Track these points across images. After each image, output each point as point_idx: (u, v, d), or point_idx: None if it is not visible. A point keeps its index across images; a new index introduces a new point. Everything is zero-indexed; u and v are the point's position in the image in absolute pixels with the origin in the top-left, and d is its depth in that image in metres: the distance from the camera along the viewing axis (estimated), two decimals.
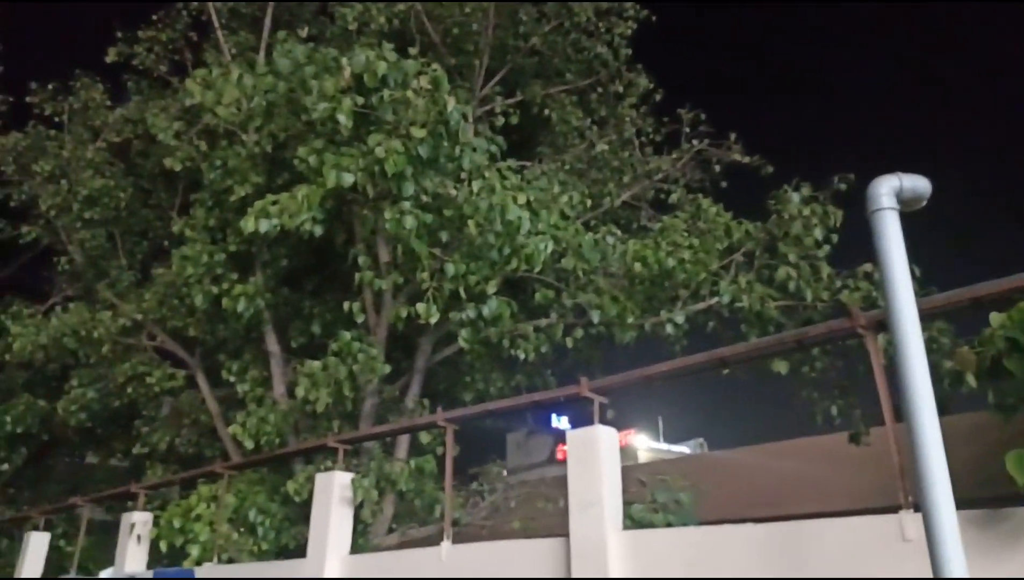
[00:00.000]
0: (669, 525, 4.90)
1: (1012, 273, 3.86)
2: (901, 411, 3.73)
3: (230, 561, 8.08)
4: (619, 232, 7.75)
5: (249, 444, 7.89)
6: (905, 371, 2.92)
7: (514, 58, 10.06)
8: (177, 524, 8.55)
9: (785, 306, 6.91)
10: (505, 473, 10.14)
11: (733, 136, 10.03)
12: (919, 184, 3.26)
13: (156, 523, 9.00)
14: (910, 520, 3.49)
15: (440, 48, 9.54)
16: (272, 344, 9.02)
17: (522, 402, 6.07)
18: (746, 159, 9.87)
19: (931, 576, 2.65)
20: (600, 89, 10.52)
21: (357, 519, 7.09)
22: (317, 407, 7.01)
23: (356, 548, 7.02)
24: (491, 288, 6.71)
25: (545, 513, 8.64)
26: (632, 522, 4.97)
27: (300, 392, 7.02)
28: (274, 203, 6.15)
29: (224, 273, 8.55)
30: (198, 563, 8.16)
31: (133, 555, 9.03)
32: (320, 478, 7.00)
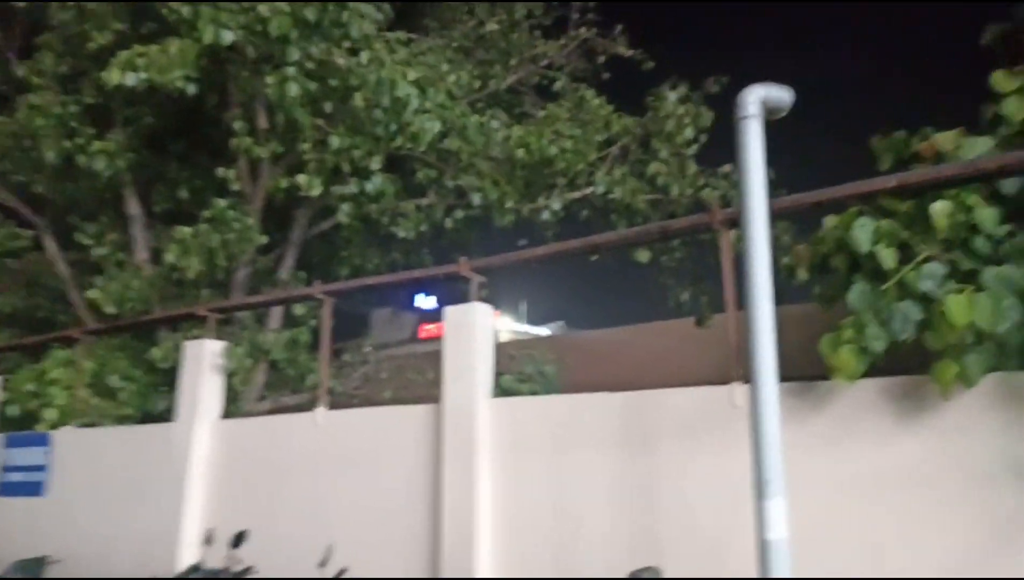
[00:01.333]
0: (534, 393, 5.39)
1: (851, 180, 4.37)
2: (743, 299, 4.26)
3: (91, 426, 7.95)
4: (504, 116, 7.84)
5: (111, 310, 7.60)
6: (750, 264, 3.35)
7: None
8: (30, 388, 8.24)
9: (653, 199, 7.41)
10: (370, 349, 10.42)
11: (620, 28, 10.17)
12: (783, 95, 3.61)
13: (4, 387, 8.61)
14: (739, 390, 4.07)
15: None
16: (133, 207, 8.53)
17: (402, 278, 6.24)
18: (629, 52, 10.07)
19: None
20: None
21: (227, 388, 7.14)
22: (188, 275, 6.84)
23: (227, 414, 7.13)
24: (375, 164, 6.68)
25: (415, 384, 9.07)
26: (501, 391, 5.41)
27: (169, 258, 6.79)
28: (141, 55, 5.69)
29: (79, 127, 7.86)
30: (54, 427, 7.97)
31: None
32: (189, 345, 6.94)
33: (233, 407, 7.75)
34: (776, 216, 4.65)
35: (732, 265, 4.68)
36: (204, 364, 6.80)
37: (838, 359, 3.60)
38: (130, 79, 5.65)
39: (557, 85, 9.52)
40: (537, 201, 7.48)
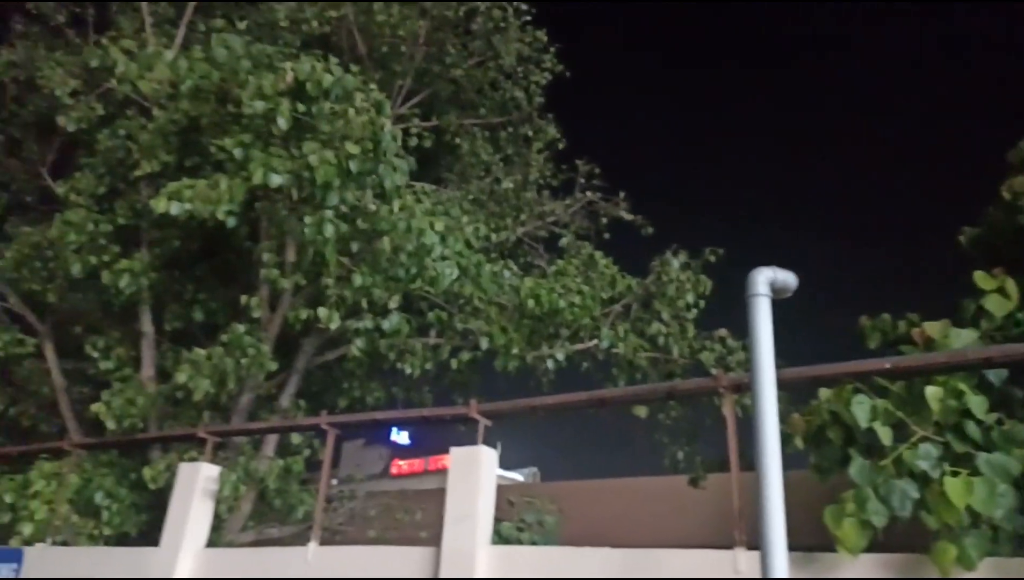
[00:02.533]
0: (534, 543, 5.38)
1: (838, 356, 4.69)
2: (748, 462, 4.44)
3: (64, 543, 7.69)
4: (515, 267, 8.31)
5: (112, 425, 7.60)
6: (760, 431, 3.58)
7: (434, 84, 10.45)
8: (9, 499, 8.02)
9: (652, 357, 7.73)
10: (336, 482, 10.28)
11: (622, 194, 10.99)
12: (789, 278, 4.00)
13: None
14: (743, 556, 4.16)
15: (365, 61, 9.77)
16: (147, 324, 8.73)
17: (410, 415, 6.38)
18: (630, 217, 10.81)
19: None
20: (511, 129, 11.14)
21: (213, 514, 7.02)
22: (195, 396, 6.93)
23: (211, 543, 6.95)
24: (393, 303, 7.01)
25: (403, 524, 8.92)
26: (500, 538, 5.41)
27: (180, 378, 6.91)
28: (190, 187, 6.13)
29: (107, 245, 8.22)
30: (27, 543, 7.69)
31: None
32: (184, 467, 6.88)
33: (215, 536, 7.57)
34: (778, 386, 4.93)
35: (735, 428, 4.90)
36: (197, 489, 6.72)
37: (842, 532, 3.74)
38: (175, 208, 6.04)
39: (563, 241, 10.13)
40: (541, 349, 7.76)
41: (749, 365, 3.74)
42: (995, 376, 4.23)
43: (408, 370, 7.74)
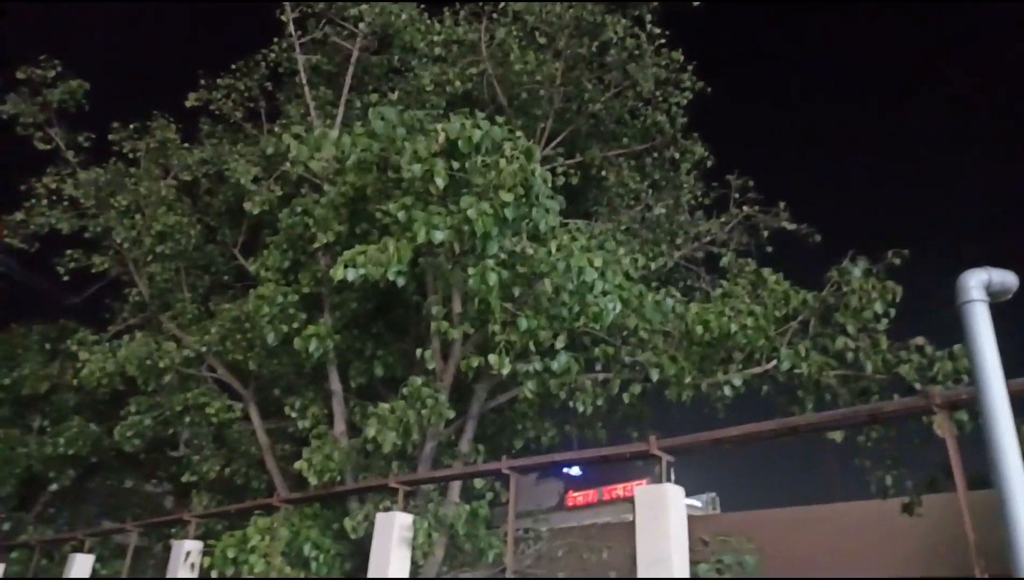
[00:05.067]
0: None
1: None
2: (969, 483, 3.94)
3: None
4: (677, 294, 8.07)
5: (314, 480, 8.17)
6: (997, 448, 3.17)
7: (574, 121, 10.54)
8: (231, 555, 8.77)
9: (842, 374, 7.15)
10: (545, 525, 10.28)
11: (782, 204, 10.41)
12: (1008, 278, 3.56)
13: (207, 553, 9.21)
14: None
15: (507, 110, 10.06)
16: (335, 383, 9.37)
17: (590, 455, 6.32)
18: (792, 226, 10.21)
19: None
20: (656, 154, 10.97)
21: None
22: (384, 448, 7.29)
23: None
24: (559, 343, 7.04)
25: (591, 565, 8.80)
26: None
27: (370, 432, 7.31)
28: (362, 253, 6.54)
29: (295, 313, 8.96)
30: None
31: None
32: (381, 518, 7.23)
33: None
34: (1013, 398, 4.39)
35: (956, 448, 4.40)
36: (394, 537, 7.03)
37: None
38: (351, 274, 6.47)
39: (724, 261, 9.72)
40: (716, 376, 7.44)
41: (972, 378, 3.35)
42: None
43: (580, 408, 7.70)
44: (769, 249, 10.49)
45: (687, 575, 5.05)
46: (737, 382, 7.29)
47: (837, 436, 6.65)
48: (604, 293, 7.05)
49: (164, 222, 11.32)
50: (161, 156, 12.43)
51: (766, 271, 7.83)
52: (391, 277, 6.55)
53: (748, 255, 10.10)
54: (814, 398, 7.07)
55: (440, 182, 6.23)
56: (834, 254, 8.23)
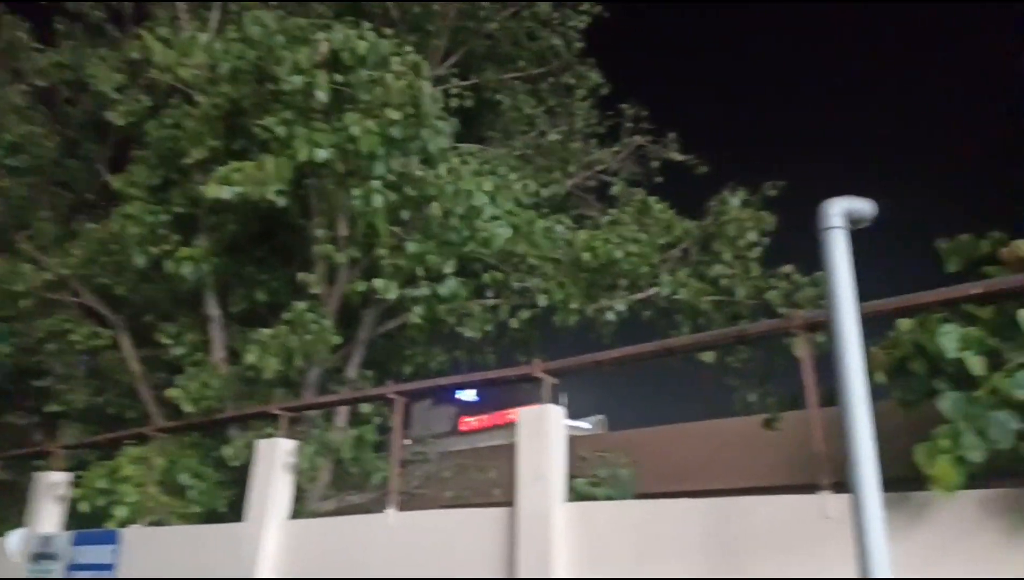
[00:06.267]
0: (609, 498, 5.33)
1: (919, 289, 4.41)
2: (823, 400, 4.24)
3: (158, 523, 8.05)
4: (568, 221, 8.14)
5: (189, 408, 7.86)
6: (844, 371, 3.39)
7: (470, 41, 10.21)
8: (102, 485, 8.41)
9: (716, 300, 7.50)
10: (409, 442, 10.43)
11: (672, 135, 10.61)
12: (865, 207, 3.74)
13: (76, 484, 8.80)
14: (831, 501, 4.00)
15: (399, 25, 9.59)
16: (212, 308, 8.93)
17: (475, 379, 6.37)
18: (682, 158, 10.45)
19: (852, 549, 3.13)
20: (552, 79, 10.83)
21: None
22: (265, 374, 7.07)
23: (292, 514, 7.16)
24: (448, 268, 6.96)
25: (477, 483, 9.03)
26: (575, 495, 5.37)
27: (249, 359, 7.05)
28: (238, 171, 6.15)
29: (167, 235, 8.40)
30: (122, 525, 8.08)
31: (49, 517, 8.82)
32: (262, 444, 7.07)
33: (298, 507, 7.81)
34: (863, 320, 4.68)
35: (812, 368, 4.69)
36: (276, 463, 6.90)
37: (936, 470, 3.54)
38: (226, 193, 6.09)
39: (614, 189, 9.87)
40: (599, 301, 7.63)
41: (826, 301, 3.53)
42: None
43: (468, 333, 7.73)
44: (659, 179, 10.71)
45: (564, 489, 5.22)
46: (621, 307, 7.51)
47: (709, 357, 7.00)
48: (494, 218, 7.01)
49: (16, 132, 10.23)
50: (10, 58, 11.13)
51: (652, 200, 8.01)
52: (271, 197, 6.22)
53: (639, 185, 10.31)
54: (691, 322, 7.39)
55: (322, 96, 5.88)
56: (721, 186, 8.52)
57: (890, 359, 4.40)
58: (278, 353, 7.02)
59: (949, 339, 3.89)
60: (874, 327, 5.04)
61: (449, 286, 6.99)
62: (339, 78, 6.09)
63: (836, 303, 3.50)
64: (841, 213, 3.66)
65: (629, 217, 7.94)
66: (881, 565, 3.06)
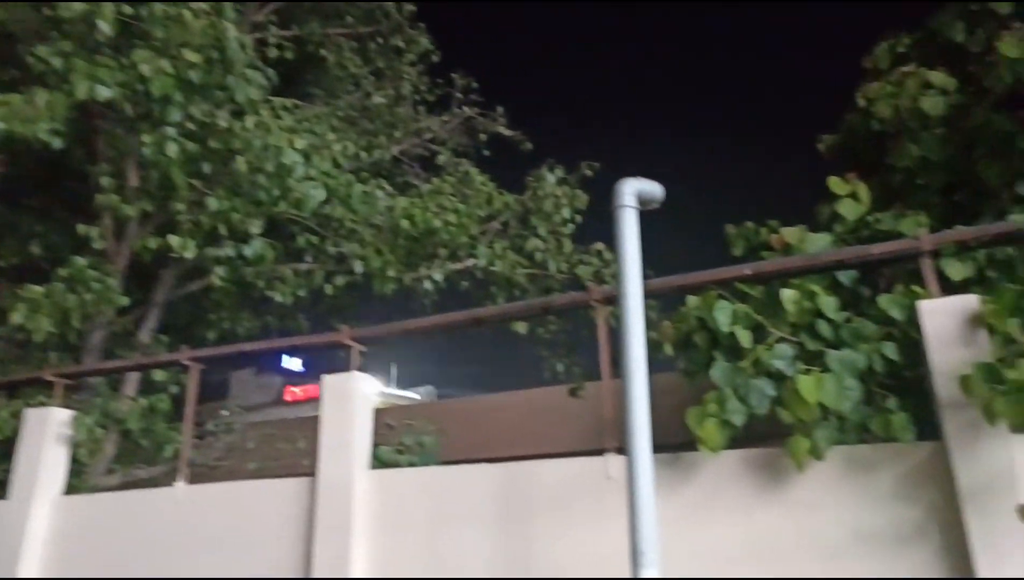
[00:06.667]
0: (413, 465, 5.33)
1: (710, 267, 4.78)
2: (617, 370, 4.46)
3: None
4: (388, 187, 7.95)
5: None
6: (626, 340, 3.59)
7: None
8: None
9: (530, 273, 7.71)
10: (234, 415, 9.93)
11: (500, 109, 10.69)
12: (655, 189, 3.96)
13: None
14: (613, 461, 4.25)
15: None
16: None
17: (280, 345, 6.08)
18: (509, 133, 10.57)
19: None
20: (381, 40, 10.48)
21: (72, 461, 6.54)
22: (36, 337, 6.29)
23: (71, 489, 6.50)
24: (255, 228, 6.54)
25: (285, 454, 8.70)
26: (379, 463, 5.31)
27: (16, 319, 6.24)
28: (3, 104, 5.35)
29: None
30: None
31: None
32: (31, 413, 6.33)
33: (77, 482, 7.09)
34: (646, 296, 4.98)
35: (607, 339, 4.94)
36: (47, 435, 6.21)
37: (703, 431, 3.86)
38: None
39: (440, 159, 9.80)
40: (418, 271, 7.56)
41: (616, 275, 3.71)
42: (846, 277, 4.42)
43: (279, 298, 7.36)
44: (486, 153, 10.78)
45: (367, 457, 5.15)
46: (438, 277, 7.50)
47: (521, 327, 7.21)
48: (309, 179, 6.68)
49: None
50: None
51: (474, 171, 8.04)
52: (43, 137, 5.48)
53: (466, 156, 10.31)
54: (506, 294, 7.53)
55: (105, 27, 5.23)
56: (547, 160, 8.72)
57: (678, 333, 4.73)
58: (51, 313, 6.26)
59: (723, 314, 4.23)
60: (675, 303, 5.41)
61: (255, 247, 6.57)
62: (127, 10, 5.44)
63: (623, 277, 3.68)
64: (632, 193, 3.85)
65: (451, 187, 7.90)
66: (648, 516, 3.30)
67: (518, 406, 10.84)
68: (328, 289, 7.49)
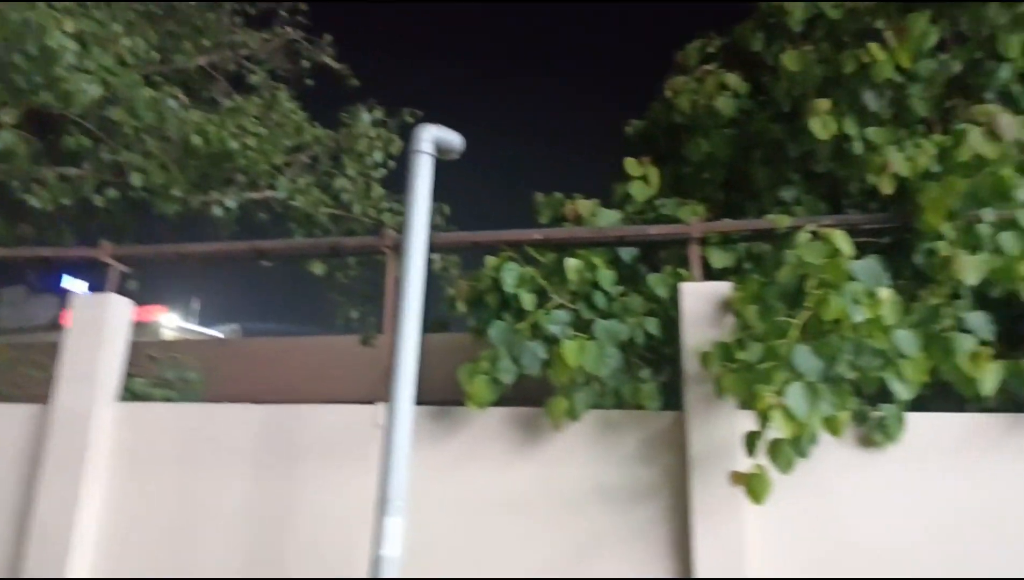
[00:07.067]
0: (169, 400, 4.92)
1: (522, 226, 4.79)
2: (426, 323, 4.37)
3: None
4: (184, 97, 7.19)
5: None
6: (404, 289, 3.50)
7: None
8: None
9: (334, 214, 7.37)
10: None
11: (329, 38, 10.04)
12: (455, 139, 3.88)
13: None
14: (382, 410, 4.18)
15: None
16: None
17: (24, 255, 5.30)
18: (335, 64, 9.97)
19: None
20: None
21: None
22: None
23: None
24: (8, 118, 5.62)
25: (34, 382, 7.73)
26: (131, 395, 4.85)
27: None
28: None
29: None
30: None
31: None
32: None
33: None
34: (437, 249, 4.93)
35: (395, 288, 4.83)
36: None
37: (472, 387, 3.89)
38: None
39: (254, 79, 9.04)
40: (209, 194, 6.95)
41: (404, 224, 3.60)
42: (627, 253, 4.64)
43: (37, 204, 6.43)
44: (310, 82, 10.10)
45: (114, 389, 4.66)
46: (231, 204, 6.95)
47: (319, 268, 6.90)
48: (85, 71, 5.84)
49: None
50: None
51: (284, 96, 7.49)
52: None
53: (287, 82, 9.58)
54: (304, 232, 7.16)
55: None
56: (369, 101, 8.30)
57: (472, 291, 4.71)
58: None
59: (510, 275, 4.27)
60: (472, 261, 5.38)
61: (4, 139, 5.66)
62: None
63: (409, 224, 3.58)
64: (429, 140, 3.74)
65: (256, 108, 7.30)
66: (400, 464, 3.27)
67: (313, 351, 10.45)
68: (98, 200, 6.66)
